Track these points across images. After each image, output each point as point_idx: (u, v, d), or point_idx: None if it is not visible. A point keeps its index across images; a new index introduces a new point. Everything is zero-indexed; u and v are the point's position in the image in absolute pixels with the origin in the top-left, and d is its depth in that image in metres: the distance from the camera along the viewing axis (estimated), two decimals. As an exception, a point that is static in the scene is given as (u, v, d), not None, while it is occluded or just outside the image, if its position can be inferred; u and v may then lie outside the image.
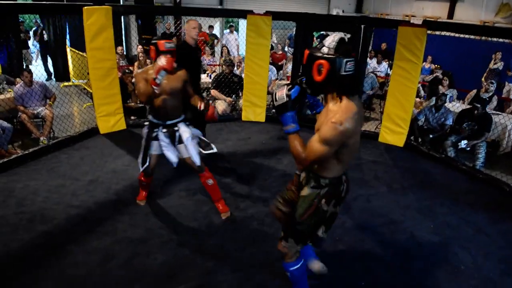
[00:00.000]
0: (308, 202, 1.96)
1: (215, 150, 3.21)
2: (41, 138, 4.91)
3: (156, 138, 2.99)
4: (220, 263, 2.71)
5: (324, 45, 1.73)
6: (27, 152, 4.20)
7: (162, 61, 2.68)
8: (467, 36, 7.07)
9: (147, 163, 3.04)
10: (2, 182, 3.65)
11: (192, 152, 3.01)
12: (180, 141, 3.00)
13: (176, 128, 3.00)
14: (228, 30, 10.47)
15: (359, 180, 4.10)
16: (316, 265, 2.52)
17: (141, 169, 3.10)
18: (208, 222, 3.18)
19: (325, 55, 1.71)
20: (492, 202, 3.79)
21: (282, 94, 1.81)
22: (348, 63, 1.70)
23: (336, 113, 1.70)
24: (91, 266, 2.61)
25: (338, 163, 1.87)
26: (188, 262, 2.70)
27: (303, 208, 1.97)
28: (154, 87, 2.73)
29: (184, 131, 3.01)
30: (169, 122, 2.99)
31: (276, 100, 1.82)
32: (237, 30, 10.77)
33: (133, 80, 5.19)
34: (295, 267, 2.13)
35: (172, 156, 2.98)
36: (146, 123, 3.08)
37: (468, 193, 3.97)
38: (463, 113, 5.14)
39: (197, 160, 3.02)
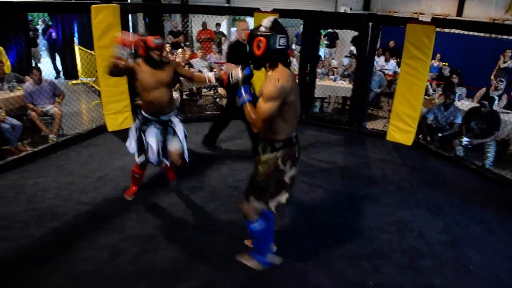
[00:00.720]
0: (267, 164, 2.23)
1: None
2: (50, 136, 4.95)
3: (144, 131, 3.05)
4: (226, 260, 2.71)
5: (262, 25, 2.09)
6: (36, 149, 4.25)
7: (123, 35, 2.82)
8: (476, 33, 7.01)
9: (144, 156, 3.09)
10: (12, 179, 3.70)
11: (185, 147, 3.11)
12: (174, 133, 3.06)
13: (171, 124, 3.06)
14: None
15: (367, 178, 4.08)
16: (276, 259, 2.72)
17: (137, 160, 3.17)
18: (215, 219, 3.20)
19: (262, 33, 2.06)
20: (501, 201, 3.75)
21: (237, 72, 2.19)
22: (281, 39, 2.07)
23: (273, 76, 2.05)
24: (99, 262, 2.64)
25: (285, 124, 2.17)
26: (195, 259, 2.72)
27: (263, 169, 2.24)
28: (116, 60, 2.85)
29: (179, 124, 3.10)
30: (163, 118, 3.03)
31: (232, 78, 2.20)
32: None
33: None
34: (255, 225, 2.38)
35: (153, 154, 3.03)
36: (140, 117, 3.11)
37: (477, 192, 3.94)
38: (470, 112, 5.09)
39: (186, 156, 3.11)
